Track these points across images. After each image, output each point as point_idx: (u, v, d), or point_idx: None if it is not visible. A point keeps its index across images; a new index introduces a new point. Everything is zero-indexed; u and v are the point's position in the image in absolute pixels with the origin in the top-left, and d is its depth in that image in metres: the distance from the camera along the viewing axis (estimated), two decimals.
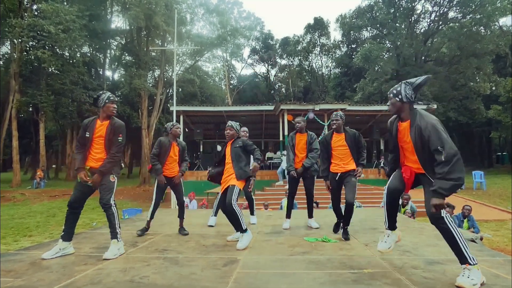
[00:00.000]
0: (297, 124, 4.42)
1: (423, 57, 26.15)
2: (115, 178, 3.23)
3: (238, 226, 3.50)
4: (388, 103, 2.50)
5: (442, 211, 2.18)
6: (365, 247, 3.37)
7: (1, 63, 24.70)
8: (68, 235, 3.19)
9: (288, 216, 4.61)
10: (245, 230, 3.47)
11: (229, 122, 3.83)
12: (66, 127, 22.95)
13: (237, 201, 3.52)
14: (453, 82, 23.43)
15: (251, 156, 3.76)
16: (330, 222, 4.82)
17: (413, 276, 2.43)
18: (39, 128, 20.82)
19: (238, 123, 3.86)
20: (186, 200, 10.15)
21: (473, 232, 5.89)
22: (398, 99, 2.38)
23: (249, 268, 2.74)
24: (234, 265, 2.80)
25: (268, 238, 3.94)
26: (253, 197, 5.01)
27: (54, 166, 33.34)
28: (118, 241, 3.18)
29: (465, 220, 6.25)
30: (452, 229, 2.21)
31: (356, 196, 3.84)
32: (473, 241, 4.00)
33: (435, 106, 15.69)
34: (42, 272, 2.63)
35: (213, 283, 2.36)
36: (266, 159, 17.95)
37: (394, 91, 2.41)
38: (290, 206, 4.61)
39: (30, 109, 22.93)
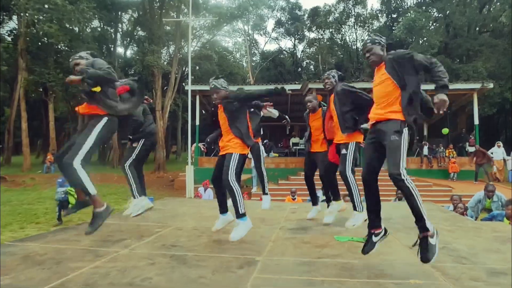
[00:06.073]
0: (308, 104, 4.22)
1: (477, 28, 24.53)
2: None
3: (235, 208, 3.21)
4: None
5: (402, 172, 2.38)
6: (409, 250, 3.07)
7: (10, 39, 25.48)
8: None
9: (313, 202, 4.50)
10: (242, 215, 3.21)
11: (212, 83, 3.42)
12: None
13: (239, 175, 3.30)
14: None
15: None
16: (365, 217, 4.54)
17: None
18: (48, 110, 21.46)
19: (221, 79, 3.48)
20: (200, 189, 10.15)
21: None
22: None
23: (269, 272, 2.54)
24: (252, 268, 2.61)
25: (292, 235, 3.72)
26: (265, 172, 4.82)
27: None
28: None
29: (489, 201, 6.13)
30: (412, 189, 2.39)
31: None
32: None
33: (491, 85, 14.64)
34: (33, 269, 2.54)
35: None
36: (291, 144, 17.68)
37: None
38: (310, 191, 4.47)
39: (41, 90, 23.68)
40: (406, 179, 2.41)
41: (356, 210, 3.64)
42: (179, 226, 4.20)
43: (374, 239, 2.75)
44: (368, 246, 2.76)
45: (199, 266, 2.65)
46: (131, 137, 4.14)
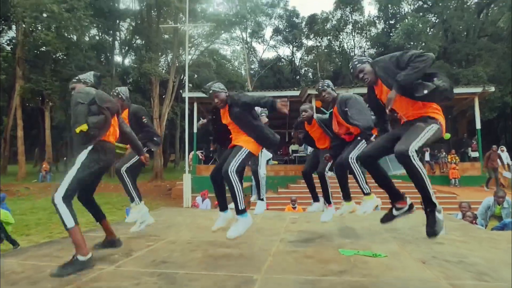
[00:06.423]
0: (303, 113, 4.03)
1: (476, 32, 24.47)
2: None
3: (234, 204, 3.04)
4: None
5: (410, 149, 2.34)
6: (422, 265, 2.80)
7: (9, 49, 25.32)
8: None
9: (314, 198, 4.33)
10: (242, 212, 3.02)
11: (210, 89, 3.24)
12: None
13: (241, 173, 3.14)
14: None
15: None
16: (370, 227, 4.27)
17: None
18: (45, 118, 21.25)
19: (217, 83, 3.34)
20: (198, 198, 9.84)
21: None
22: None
23: None
24: None
25: (293, 248, 3.44)
26: (264, 174, 4.62)
27: (65, 158, 34.28)
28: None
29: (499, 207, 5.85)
30: (418, 168, 2.37)
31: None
32: None
33: (492, 88, 14.42)
34: None
35: None
36: (291, 151, 17.41)
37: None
38: (310, 187, 4.32)
39: (40, 98, 23.50)
40: (413, 156, 2.37)
41: (365, 194, 3.60)
42: (172, 239, 3.92)
43: (395, 212, 2.85)
44: (386, 216, 2.89)
45: (190, 286, 2.37)
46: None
